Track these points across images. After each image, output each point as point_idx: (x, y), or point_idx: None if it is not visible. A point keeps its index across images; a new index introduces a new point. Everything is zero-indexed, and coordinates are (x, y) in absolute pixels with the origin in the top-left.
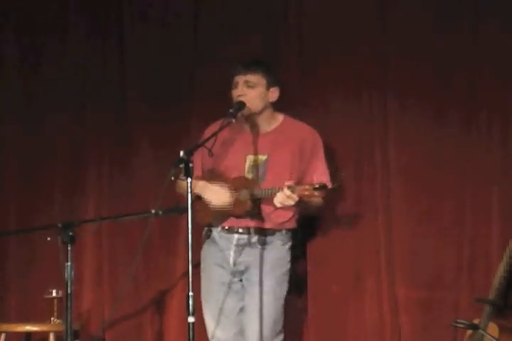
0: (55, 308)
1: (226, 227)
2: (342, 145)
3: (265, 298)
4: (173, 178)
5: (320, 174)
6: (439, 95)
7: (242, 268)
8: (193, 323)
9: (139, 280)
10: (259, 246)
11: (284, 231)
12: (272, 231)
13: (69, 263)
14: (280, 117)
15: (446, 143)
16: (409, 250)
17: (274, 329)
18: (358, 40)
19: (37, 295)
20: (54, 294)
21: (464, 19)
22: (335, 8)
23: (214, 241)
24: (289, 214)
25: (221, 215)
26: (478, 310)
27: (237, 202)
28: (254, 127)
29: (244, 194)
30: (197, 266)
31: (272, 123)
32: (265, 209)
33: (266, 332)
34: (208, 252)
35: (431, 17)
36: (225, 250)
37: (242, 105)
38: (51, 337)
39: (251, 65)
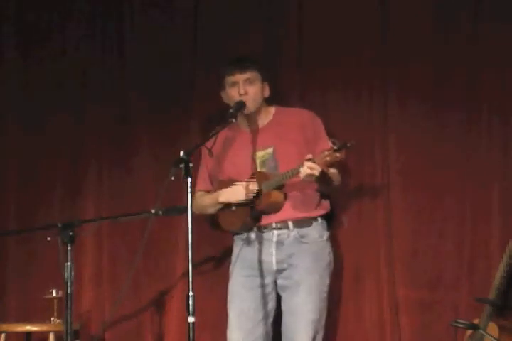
0: (55, 308)
1: (262, 225)
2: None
3: (310, 294)
4: (173, 178)
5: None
6: (439, 95)
7: (284, 266)
8: (193, 323)
9: (139, 280)
10: (299, 241)
11: (319, 220)
12: (309, 222)
13: (69, 263)
14: (272, 108)
15: (446, 143)
16: (409, 250)
17: (320, 325)
18: (358, 40)
19: (37, 295)
20: (54, 294)
21: (464, 19)
22: (335, 8)
23: (250, 243)
24: (316, 195)
25: (254, 216)
26: (478, 310)
27: (264, 197)
28: (253, 124)
29: (267, 185)
30: (197, 266)
31: (267, 116)
32: (292, 196)
33: (314, 328)
34: (241, 255)
35: (431, 17)
36: (263, 250)
37: (242, 105)
38: (51, 337)
39: (246, 62)
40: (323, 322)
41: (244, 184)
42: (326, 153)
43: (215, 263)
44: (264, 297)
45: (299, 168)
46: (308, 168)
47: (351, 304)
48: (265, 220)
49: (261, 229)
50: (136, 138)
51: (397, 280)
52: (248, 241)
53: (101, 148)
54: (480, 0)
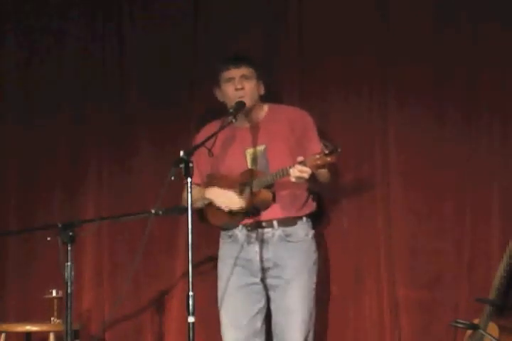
0: (55, 308)
1: (248, 224)
2: (342, 145)
3: (300, 294)
4: (173, 178)
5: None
6: (439, 95)
7: (270, 264)
8: (193, 323)
9: (139, 280)
10: (284, 240)
11: (304, 219)
12: (294, 221)
13: (69, 263)
14: (265, 106)
15: (446, 143)
16: (409, 250)
17: (311, 323)
18: (358, 40)
19: (37, 295)
20: (54, 294)
21: (464, 19)
22: (335, 7)
23: (236, 241)
24: (304, 194)
25: (240, 213)
26: (478, 310)
27: (253, 196)
28: (247, 121)
29: (257, 184)
30: (197, 266)
31: (261, 113)
32: (281, 196)
33: (305, 327)
34: (227, 252)
35: (431, 17)
36: (249, 248)
37: (241, 105)
38: (51, 337)
39: (243, 59)
40: (313, 320)
41: (234, 196)
42: (317, 156)
43: (215, 263)
44: (254, 294)
45: (289, 169)
46: (299, 172)
47: (351, 304)
48: (251, 218)
49: (246, 227)
50: (136, 138)
51: (397, 280)
52: (234, 239)
53: (101, 148)
54: (480, 0)
